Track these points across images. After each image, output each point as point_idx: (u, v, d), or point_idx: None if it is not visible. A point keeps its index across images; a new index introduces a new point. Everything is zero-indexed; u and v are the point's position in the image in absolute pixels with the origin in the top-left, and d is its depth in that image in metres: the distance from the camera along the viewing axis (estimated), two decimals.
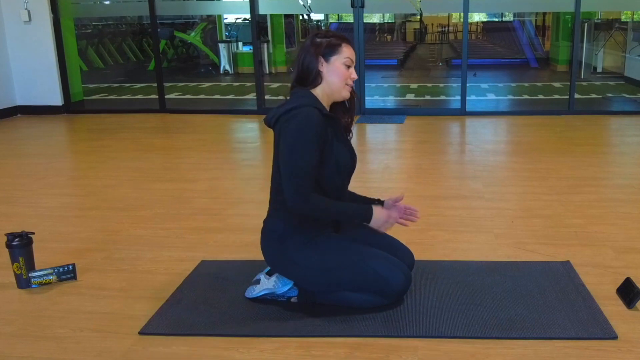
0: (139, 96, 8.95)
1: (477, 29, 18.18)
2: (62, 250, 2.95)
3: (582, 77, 9.58)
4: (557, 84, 9.33)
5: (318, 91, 2.21)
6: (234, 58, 11.54)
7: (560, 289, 2.41)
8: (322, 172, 2.15)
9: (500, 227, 3.17)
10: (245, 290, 2.39)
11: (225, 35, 12.25)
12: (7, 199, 3.89)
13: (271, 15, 10.84)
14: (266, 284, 2.31)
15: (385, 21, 19.99)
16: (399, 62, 12.91)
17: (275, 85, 9.88)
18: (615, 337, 2.06)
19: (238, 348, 2.05)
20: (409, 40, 17.73)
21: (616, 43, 10.04)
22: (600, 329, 2.11)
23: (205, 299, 2.39)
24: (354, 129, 2.41)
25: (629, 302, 2.26)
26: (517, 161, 4.65)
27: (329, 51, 2.19)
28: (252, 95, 7.93)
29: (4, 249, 2.57)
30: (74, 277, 2.61)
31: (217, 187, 4.03)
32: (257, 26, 7.11)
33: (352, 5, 6.55)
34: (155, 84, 7.30)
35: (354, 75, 2.24)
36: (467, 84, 6.64)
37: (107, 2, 13.95)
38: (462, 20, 6.65)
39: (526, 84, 9.53)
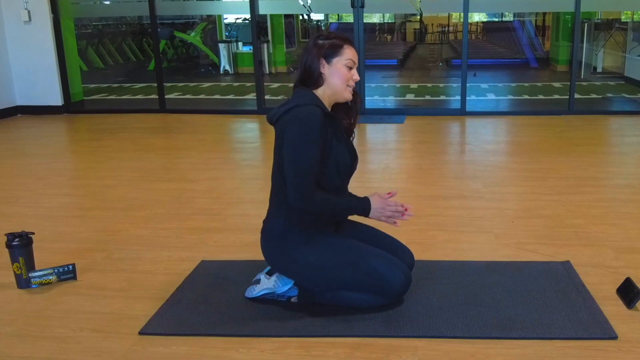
0: (139, 96, 8.95)
1: (477, 29, 18.18)
2: (62, 250, 2.95)
3: (582, 77, 9.58)
4: (557, 84, 9.33)
5: (320, 92, 2.22)
6: (234, 58, 11.54)
7: (560, 289, 2.41)
8: (323, 172, 2.16)
9: (500, 227, 3.17)
10: (245, 290, 2.39)
11: (225, 35, 12.25)
12: (7, 199, 3.89)
13: (271, 15, 10.84)
14: (266, 284, 2.31)
15: (385, 21, 19.98)
16: (399, 62, 12.90)
17: (275, 85, 9.88)
18: (615, 337, 2.06)
19: (238, 348, 2.05)
20: (409, 40, 17.71)
21: (616, 43, 10.04)
22: (600, 329, 2.11)
23: (205, 299, 2.39)
24: (355, 129, 2.41)
25: (629, 302, 2.26)
26: (517, 161, 4.65)
27: (331, 52, 2.19)
28: (252, 95, 7.93)
29: (4, 249, 2.57)
30: (74, 277, 2.61)
31: (217, 187, 4.03)
32: (257, 26, 7.11)
33: (352, 5, 6.55)
34: (155, 84, 7.30)
35: (356, 77, 2.24)
36: (467, 84, 6.64)
37: (107, 2, 13.95)
38: (462, 20, 6.65)
39: (526, 84, 9.53)
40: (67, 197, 3.97)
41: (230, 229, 3.21)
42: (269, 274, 2.34)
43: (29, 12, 6.81)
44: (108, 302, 2.42)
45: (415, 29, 17.76)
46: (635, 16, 10.54)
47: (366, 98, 6.94)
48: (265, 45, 10.79)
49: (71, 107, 7.22)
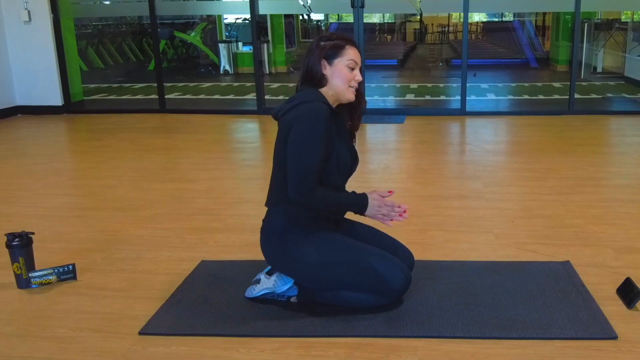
0: (139, 96, 8.95)
1: (477, 29, 18.18)
2: (62, 250, 2.95)
3: (582, 77, 9.58)
4: (557, 84, 9.33)
5: (323, 92, 2.22)
6: (234, 58, 11.54)
7: (560, 289, 2.41)
8: (324, 170, 2.16)
9: (500, 227, 3.17)
10: (245, 290, 2.39)
11: (225, 35, 12.25)
12: (7, 199, 3.89)
13: (271, 15, 10.84)
14: (266, 284, 2.31)
15: (385, 21, 19.98)
16: (399, 62, 12.90)
17: (275, 85, 9.88)
18: (615, 337, 2.06)
19: (238, 348, 2.05)
20: (409, 40, 17.72)
21: (616, 43, 10.05)
22: (600, 329, 2.11)
23: (205, 299, 2.39)
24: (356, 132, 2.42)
25: (629, 302, 2.26)
26: (517, 161, 4.65)
27: (333, 53, 2.19)
28: (252, 95, 7.93)
29: (4, 249, 2.57)
30: (74, 277, 2.61)
31: (217, 187, 4.03)
32: (257, 26, 7.11)
33: (352, 5, 6.55)
34: (155, 84, 7.30)
35: (359, 77, 2.24)
36: (467, 84, 6.64)
37: (107, 2, 13.95)
38: (462, 20, 6.65)
39: (526, 84, 9.53)
40: (67, 197, 3.97)
41: (230, 229, 3.21)
42: (269, 274, 2.34)
43: (29, 12, 6.81)
44: (108, 302, 2.42)
45: (415, 29, 17.77)
46: (635, 16, 10.54)
47: (366, 98, 6.92)
48: (265, 45, 10.80)
49: (71, 107, 7.22)
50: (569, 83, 6.72)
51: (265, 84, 7.69)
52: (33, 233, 2.58)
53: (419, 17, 15.44)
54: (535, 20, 15.84)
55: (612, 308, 2.26)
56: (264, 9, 7.17)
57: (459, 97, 6.73)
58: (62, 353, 2.05)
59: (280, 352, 2.03)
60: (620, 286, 2.38)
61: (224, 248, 2.96)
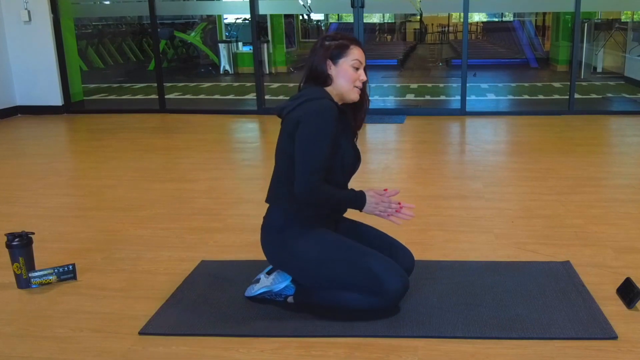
0: (139, 96, 8.95)
1: (477, 29, 18.18)
2: (62, 250, 2.95)
3: (582, 77, 9.58)
4: (557, 84, 9.33)
5: (328, 91, 2.21)
6: (234, 58, 11.54)
7: (560, 289, 2.41)
8: (329, 167, 2.15)
9: (500, 227, 3.17)
10: (245, 290, 2.39)
11: (225, 35, 12.25)
12: (7, 199, 3.89)
13: (271, 15, 10.84)
14: (265, 282, 2.32)
15: (385, 21, 19.98)
16: (399, 62, 12.90)
17: (275, 85, 9.88)
18: (615, 337, 2.06)
19: (238, 348, 2.05)
20: (409, 40, 17.72)
21: (616, 43, 10.05)
22: (600, 329, 2.11)
23: (205, 299, 2.39)
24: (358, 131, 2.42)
25: (629, 302, 2.27)
26: (517, 161, 4.65)
27: (337, 53, 2.19)
28: (252, 96, 7.93)
29: (4, 249, 2.57)
30: (74, 277, 2.61)
31: (217, 187, 4.03)
32: (257, 26, 7.11)
33: (352, 5, 6.55)
34: (155, 84, 7.30)
35: (363, 77, 2.24)
36: (467, 84, 6.64)
37: (107, 2, 13.95)
38: (462, 20, 6.65)
39: (526, 84, 9.53)
40: (67, 197, 3.97)
41: (230, 229, 3.21)
42: (269, 273, 2.34)
43: (29, 12, 6.81)
44: (108, 302, 2.42)
45: (415, 29, 17.77)
46: (635, 16, 10.54)
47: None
48: (265, 45, 10.80)
49: (71, 107, 7.22)
50: (569, 83, 6.73)
51: (265, 84, 7.69)
52: (33, 233, 2.58)
53: (419, 17, 15.44)
54: (535, 20, 15.84)
55: (612, 308, 2.26)
56: (264, 9, 7.17)
57: (459, 97, 6.74)
58: (62, 353, 2.05)
59: (280, 352, 2.03)
60: (620, 286, 2.38)
61: (224, 248, 2.96)
